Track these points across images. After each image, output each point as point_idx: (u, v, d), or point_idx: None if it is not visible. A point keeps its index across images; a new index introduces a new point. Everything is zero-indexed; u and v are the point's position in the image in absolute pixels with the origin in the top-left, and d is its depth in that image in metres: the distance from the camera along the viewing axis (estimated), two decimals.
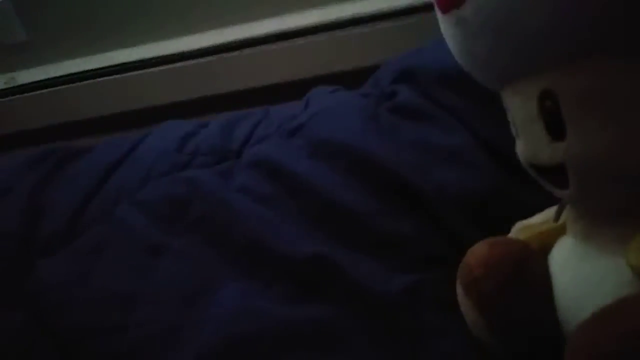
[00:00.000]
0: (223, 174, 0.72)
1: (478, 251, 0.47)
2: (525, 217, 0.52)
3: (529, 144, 0.41)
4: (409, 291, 0.53)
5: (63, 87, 1.60)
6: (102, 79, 1.57)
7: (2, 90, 1.63)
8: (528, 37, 0.36)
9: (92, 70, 1.58)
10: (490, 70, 0.42)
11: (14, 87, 1.63)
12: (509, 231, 0.52)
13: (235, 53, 1.49)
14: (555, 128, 0.38)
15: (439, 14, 0.43)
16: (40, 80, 1.62)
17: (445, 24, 0.43)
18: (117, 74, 1.58)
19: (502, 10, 0.37)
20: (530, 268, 0.45)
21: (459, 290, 0.47)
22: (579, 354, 0.32)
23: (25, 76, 1.64)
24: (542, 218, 0.50)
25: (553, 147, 0.38)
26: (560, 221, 0.46)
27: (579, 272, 0.42)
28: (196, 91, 1.53)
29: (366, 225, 0.59)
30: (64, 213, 0.72)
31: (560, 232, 0.46)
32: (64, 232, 0.69)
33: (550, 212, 0.49)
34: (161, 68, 1.55)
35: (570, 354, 0.32)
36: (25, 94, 1.59)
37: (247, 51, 1.48)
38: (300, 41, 1.40)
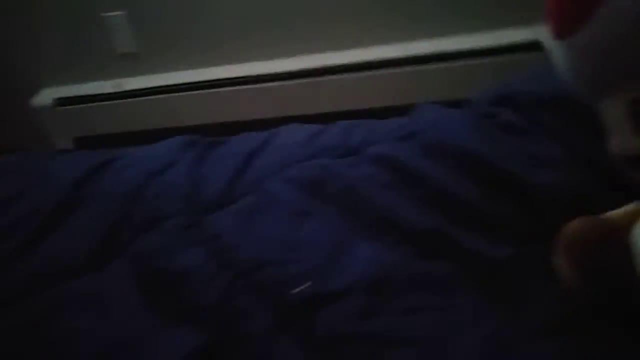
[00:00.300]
0: (349, 164, 0.88)
1: (573, 224, 0.61)
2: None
3: (620, 138, 0.55)
4: (511, 260, 0.67)
5: (165, 95, 1.80)
6: (200, 91, 1.77)
7: (110, 94, 1.83)
8: (628, 60, 0.51)
9: (192, 82, 1.78)
10: (594, 86, 0.57)
11: (120, 93, 1.82)
12: None
13: (321, 78, 1.67)
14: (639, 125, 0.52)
15: (553, 39, 0.58)
16: (145, 88, 1.82)
17: (557, 47, 0.58)
18: (214, 87, 1.77)
19: (610, 40, 0.51)
20: (614, 237, 0.59)
21: (558, 251, 0.61)
22: None
23: (132, 83, 1.83)
24: (622, 211, 0.64)
25: (638, 141, 0.53)
26: None
27: None
28: (274, 111, 1.69)
29: (474, 208, 0.74)
30: (219, 184, 0.90)
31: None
32: (223, 197, 0.87)
33: (629, 207, 0.62)
34: (254, 86, 1.73)
35: None
36: (130, 100, 1.81)
37: (331, 77, 1.65)
38: (389, 71, 1.56)
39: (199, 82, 1.79)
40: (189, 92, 1.79)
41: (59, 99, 1.83)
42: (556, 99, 0.80)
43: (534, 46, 1.35)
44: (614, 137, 0.56)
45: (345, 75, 1.63)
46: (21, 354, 0.67)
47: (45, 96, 1.85)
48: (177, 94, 1.81)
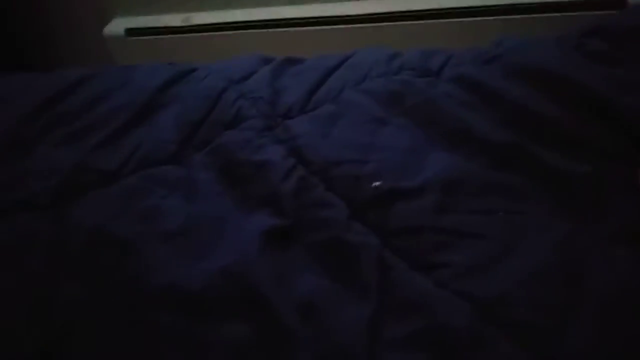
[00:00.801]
0: (428, 83, 0.88)
1: None
2: None
3: None
4: (592, 174, 0.67)
5: (231, 32, 1.81)
6: (266, 30, 1.77)
7: (180, 27, 1.85)
8: None
9: (258, 20, 1.78)
10: None
11: (190, 27, 1.84)
12: None
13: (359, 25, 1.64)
14: None
15: None
16: (214, 24, 1.83)
17: None
18: (278, 27, 1.77)
19: None
20: None
21: None
22: None
23: (202, 17, 1.85)
24: None
25: None
26: None
27: None
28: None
29: (556, 125, 0.74)
30: (299, 92, 0.92)
31: None
32: (302, 104, 0.90)
33: None
34: (318, 28, 1.72)
35: None
36: (199, 34, 1.82)
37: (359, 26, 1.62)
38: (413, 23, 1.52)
39: (268, 20, 1.79)
40: (256, 30, 1.80)
41: (130, 29, 1.86)
42: None
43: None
44: None
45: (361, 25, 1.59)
46: (117, 219, 0.73)
47: (117, 26, 1.87)
48: (243, 31, 1.82)
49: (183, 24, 1.85)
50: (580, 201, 0.66)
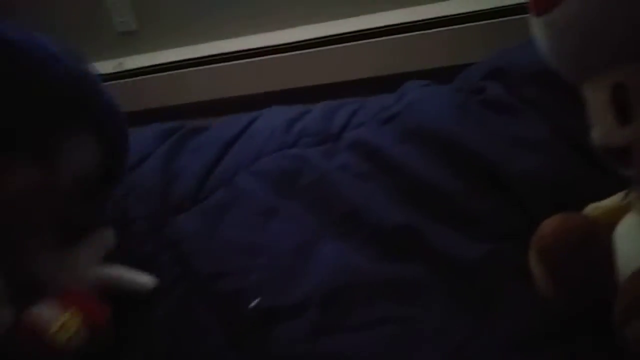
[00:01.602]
0: (325, 153, 0.83)
1: (551, 222, 0.54)
2: (595, 201, 0.59)
3: (602, 129, 0.48)
4: (486, 258, 0.61)
5: (166, 73, 1.75)
6: (203, 67, 1.72)
7: (111, 74, 1.79)
8: (609, 40, 0.44)
9: (195, 58, 1.73)
10: (574, 67, 0.50)
11: (121, 72, 1.78)
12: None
13: (332, 47, 1.60)
14: (623, 115, 0.46)
15: (531, 16, 0.51)
16: (147, 67, 1.78)
17: (537, 25, 0.51)
18: (214, 63, 1.72)
19: (588, 18, 0.45)
20: (596, 240, 0.52)
21: (532, 256, 0.55)
22: (626, 295, 0.40)
23: (133, 62, 1.79)
24: (612, 201, 0.57)
25: (621, 131, 0.46)
26: (627, 202, 0.53)
27: (637, 246, 0.49)
28: (292, 82, 1.64)
29: (451, 201, 0.68)
30: (192, 178, 0.85)
31: (625, 210, 0.53)
32: (194, 194, 0.83)
33: (619, 196, 0.56)
34: (258, 59, 1.67)
35: (619, 296, 0.40)
36: (131, 79, 1.77)
37: (324, 49, 1.58)
38: (391, 39, 1.49)
39: (201, 57, 1.74)
40: (192, 69, 1.75)
41: None
42: (548, 73, 0.72)
43: None
44: (596, 127, 0.50)
45: (343, 45, 1.55)
46: None
47: None
48: (179, 71, 1.76)
49: (114, 70, 1.80)
50: (475, 293, 0.60)
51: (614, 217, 0.54)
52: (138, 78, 1.76)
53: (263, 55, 1.65)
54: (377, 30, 1.51)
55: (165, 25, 1.76)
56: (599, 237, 0.53)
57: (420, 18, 1.46)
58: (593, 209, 0.58)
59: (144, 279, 0.67)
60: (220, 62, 1.71)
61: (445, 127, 0.75)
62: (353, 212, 0.71)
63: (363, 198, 0.72)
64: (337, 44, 1.58)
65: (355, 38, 1.53)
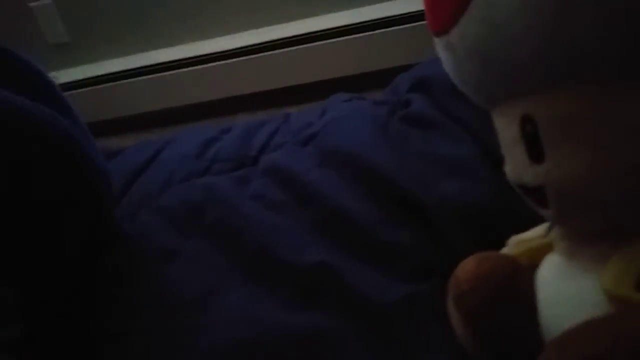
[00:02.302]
0: (239, 180, 0.75)
1: (467, 266, 0.48)
2: (522, 230, 0.53)
3: (513, 164, 0.42)
4: (405, 302, 0.55)
5: (101, 86, 1.68)
6: (141, 77, 1.64)
7: None
8: (508, 66, 0.38)
9: (128, 70, 1.65)
10: (478, 93, 0.44)
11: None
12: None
13: (259, 55, 1.54)
14: (535, 151, 0.39)
15: (433, 36, 0.45)
16: (80, 80, 1.70)
17: (438, 46, 0.45)
18: (151, 74, 1.64)
19: (486, 40, 0.38)
20: (517, 284, 0.46)
21: (449, 303, 0.49)
22: None
23: (67, 75, 1.71)
24: (536, 232, 0.51)
25: (533, 170, 0.40)
26: (550, 238, 0.47)
27: (561, 290, 0.43)
28: (224, 91, 1.58)
29: (368, 234, 0.61)
30: None
31: (549, 248, 0.47)
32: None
33: (543, 227, 0.50)
34: (191, 69, 1.61)
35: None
36: (67, 92, 1.68)
37: (268, 54, 1.52)
38: (321, 44, 1.43)
39: (139, 67, 1.66)
40: (130, 80, 1.67)
41: None
42: None
43: None
44: (507, 161, 0.43)
45: (298, 47, 1.49)
46: None
47: None
48: (116, 83, 1.69)
49: None
50: (394, 346, 0.53)
51: (536, 256, 0.48)
52: (74, 91, 1.69)
53: (205, 63, 1.59)
54: (306, 36, 1.46)
55: (100, 35, 1.70)
56: (520, 281, 0.47)
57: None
58: (516, 242, 0.52)
59: None
60: (158, 72, 1.65)
61: (361, 151, 0.68)
62: (263, 250, 0.63)
63: (275, 233, 0.65)
64: (262, 52, 1.53)
65: (286, 45, 1.47)
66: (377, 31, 1.37)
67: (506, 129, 0.42)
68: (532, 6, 0.34)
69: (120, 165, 0.87)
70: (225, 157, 0.82)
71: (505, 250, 0.52)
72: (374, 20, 1.36)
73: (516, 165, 0.42)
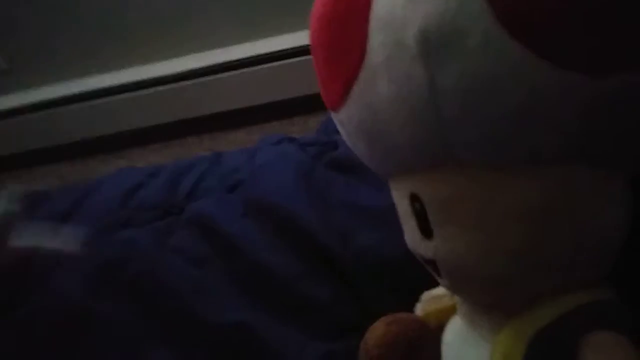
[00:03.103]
0: (162, 231, 0.74)
1: (376, 330, 0.48)
2: (436, 284, 0.54)
3: (409, 236, 0.43)
4: None
5: (42, 112, 1.63)
6: (79, 104, 1.61)
7: None
8: (390, 148, 0.38)
9: (70, 95, 1.61)
10: (371, 167, 0.44)
11: None
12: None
13: (217, 76, 1.52)
14: (425, 227, 0.40)
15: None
16: (20, 107, 1.65)
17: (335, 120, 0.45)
18: (95, 98, 1.61)
19: (367, 124, 0.38)
20: (423, 348, 0.47)
21: None
22: None
23: (6, 102, 1.67)
24: (444, 290, 0.52)
25: (425, 244, 0.40)
26: (455, 299, 0.48)
27: (462, 356, 0.44)
28: (175, 115, 1.55)
29: (288, 290, 0.61)
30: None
31: (454, 309, 0.48)
32: (6, 300, 0.71)
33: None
34: (139, 92, 1.58)
35: None
36: (6, 120, 1.63)
37: (226, 74, 1.51)
38: (284, 63, 1.42)
39: (79, 93, 1.63)
40: (70, 106, 1.63)
41: None
42: None
43: None
44: (405, 232, 0.44)
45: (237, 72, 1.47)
46: None
47: None
48: (56, 109, 1.65)
49: None
50: None
51: (443, 317, 0.49)
52: (14, 119, 1.65)
53: (140, 90, 1.56)
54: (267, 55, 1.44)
55: (39, 61, 1.65)
56: (427, 345, 0.48)
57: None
58: (428, 298, 0.53)
59: None
60: (99, 98, 1.62)
61: (283, 202, 0.68)
62: (182, 309, 0.62)
63: (195, 292, 0.64)
64: (219, 72, 1.51)
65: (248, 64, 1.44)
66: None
67: (399, 202, 0.42)
68: (406, 97, 0.34)
69: (45, 214, 0.84)
70: (150, 205, 0.80)
71: (418, 306, 0.53)
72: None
73: (411, 237, 0.42)
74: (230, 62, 1.47)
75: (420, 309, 0.52)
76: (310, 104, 1.05)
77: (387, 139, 0.38)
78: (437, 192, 0.38)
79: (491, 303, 0.40)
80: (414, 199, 0.40)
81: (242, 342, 0.58)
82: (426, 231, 0.40)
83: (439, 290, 0.53)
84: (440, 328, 0.48)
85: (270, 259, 0.64)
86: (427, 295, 0.53)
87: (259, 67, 1.42)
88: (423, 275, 0.55)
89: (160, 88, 1.55)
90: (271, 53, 1.41)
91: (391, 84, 0.35)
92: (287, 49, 1.40)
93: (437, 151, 0.35)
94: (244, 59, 1.47)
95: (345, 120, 0.41)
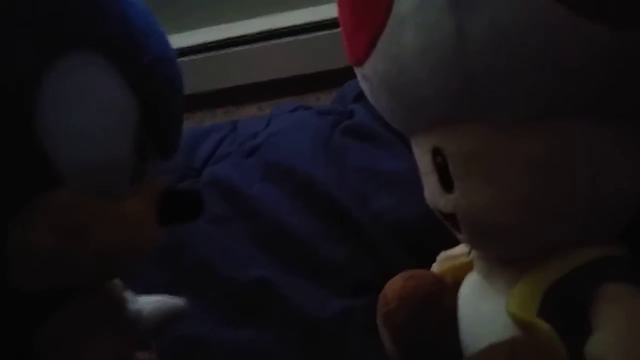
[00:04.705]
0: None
1: (394, 284, 0.50)
2: (452, 245, 0.55)
3: (429, 191, 0.44)
4: (341, 317, 0.57)
5: None
6: None
7: None
8: (416, 102, 0.39)
9: None
10: (394, 123, 0.45)
11: None
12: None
13: (230, 50, 1.51)
14: (446, 181, 0.41)
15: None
16: None
17: (358, 75, 0.46)
18: None
19: (393, 77, 0.39)
20: (440, 302, 0.48)
21: (378, 320, 0.51)
22: None
23: None
24: (464, 249, 0.53)
25: (445, 198, 0.41)
26: (471, 257, 0.49)
27: (478, 309, 0.45)
28: (188, 88, 1.54)
29: (307, 249, 0.63)
30: None
31: (470, 266, 0.49)
32: None
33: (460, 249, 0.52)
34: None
35: None
36: None
37: (240, 48, 1.50)
38: (298, 38, 1.41)
39: None
40: None
41: None
42: None
43: None
44: (425, 186, 0.45)
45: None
46: None
47: None
48: None
49: None
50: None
51: (459, 274, 0.50)
52: None
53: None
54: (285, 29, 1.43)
55: None
56: (444, 299, 0.49)
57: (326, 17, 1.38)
58: (444, 259, 0.54)
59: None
60: None
61: (301, 166, 0.69)
62: (205, 265, 0.64)
63: (216, 249, 0.66)
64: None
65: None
66: None
67: (420, 158, 0.44)
68: (434, 48, 0.35)
69: None
70: (167, 168, 0.81)
71: (434, 266, 0.54)
72: None
73: (431, 192, 0.43)
74: (244, 35, 1.47)
75: (436, 267, 0.53)
76: (322, 81, 1.05)
77: (413, 91, 0.39)
78: (459, 147, 0.39)
79: (508, 257, 0.41)
80: (436, 152, 0.41)
81: (262, 297, 0.60)
82: (447, 185, 0.41)
83: (456, 251, 0.54)
84: (457, 284, 0.49)
85: (289, 220, 0.65)
86: (443, 255, 0.54)
87: (272, 42, 1.42)
88: (439, 238, 0.56)
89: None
90: (284, 28, 1.40)
91: (419, 33, 0.35)
92: (300, 24, 1.39)
93: (463, 104, 0.36)
94: (257, 33, 1.46)
95: (370, 73, 0.42)
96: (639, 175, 0.38)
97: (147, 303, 0.49)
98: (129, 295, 0.47)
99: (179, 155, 0.81)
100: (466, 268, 0.49)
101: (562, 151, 0.36)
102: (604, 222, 0.39)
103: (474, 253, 0.48)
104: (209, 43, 1.51)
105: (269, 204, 0.68)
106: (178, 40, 1.56)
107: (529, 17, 0.32)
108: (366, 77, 0.43)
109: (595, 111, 0.35)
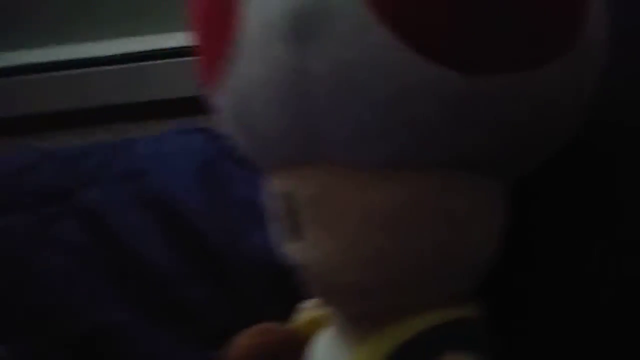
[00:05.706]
0: (50, 217, 0.68)
1: (239, 342, 0.46)
2: None
3: (280, 238, 0.40)
4: None
5: None
6: None
7: None
8: (259, 140, 0.36)
9: None
10: (250, 159, 0.42)
11: None
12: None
13: (146, 63, 1.46)
14: (295, 227, 0.37)
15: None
16: None
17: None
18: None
19: (237, 111, 0.36)
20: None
21: None
22: None
23: None
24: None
25: (293, 247, 0.38)
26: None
27: None
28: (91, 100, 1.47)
29: (167, 289, 0.57)
30: None
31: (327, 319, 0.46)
32: None
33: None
34: (66, 72, 1.49)
35: None
36: None
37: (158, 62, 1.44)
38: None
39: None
40: None
41: None
42: None
43: None
44: (278, 233, 0.41)
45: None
46: None
47: None
48: None
49: None
50: None
51: (318, 326, 0.46)
52: None
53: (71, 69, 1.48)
54: None
55: None
56: (290, 357, 0.45)
57: None
58: (304, 307, 0.50)
59: None
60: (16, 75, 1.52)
61: (179, 196, 0.65)
62: (44, 306, 0.57)
63: (68, 284, 0.59)
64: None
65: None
66: None
67: (274, 200, 0.40)
68: (277, 85, 0.32)
69: None
70: (42, 189, 0.74)
71: (296, 316, 0.50)
72: None
73: (281, 236, 0.40)
74: (162, 49, 1.42)
75: (297, 318, 0.50)
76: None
77: (259, 130, 0.35)
78: (306, 190, 0.35)
79: (356, 314, 0.38)
80: (285, 196, 0.37)
81: (107, 345, 0.54)
82: (296, 233, 0.37)
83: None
84: (309, 340, 0.46)
85: (153, 254, 0.60)
86: (306, 303, 0.51)
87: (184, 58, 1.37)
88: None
89: (87, 70, 1.48)
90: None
91: (262, 66, 0.32)
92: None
93: (306, 146, 0.33)
94: (173, 48, 1.42)
95: (220, 105, 0.38)
96: (493, 232, 0.36)
97: None
98: None
99: (56, 175, 0.75)
100: (323, 321, 0.46)
101: (410, 205, 0.33)
102: (456, 281, 0.37)
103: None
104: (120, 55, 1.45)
105: (136, 235, 0.63)
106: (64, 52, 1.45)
107: (372, 58, 0.29)
108: (218, 109, 0.39)
109: (446, 163, 0.33)
